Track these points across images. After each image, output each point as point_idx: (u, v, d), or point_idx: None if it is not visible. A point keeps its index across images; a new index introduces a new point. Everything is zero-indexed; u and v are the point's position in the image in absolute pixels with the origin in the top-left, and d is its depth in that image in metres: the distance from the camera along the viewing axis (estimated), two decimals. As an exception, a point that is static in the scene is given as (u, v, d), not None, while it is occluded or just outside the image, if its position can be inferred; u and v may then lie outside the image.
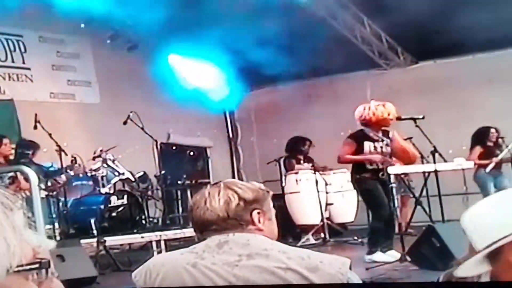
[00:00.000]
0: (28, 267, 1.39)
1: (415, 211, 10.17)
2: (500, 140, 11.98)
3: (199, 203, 2.79)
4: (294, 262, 2.65)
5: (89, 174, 10.45)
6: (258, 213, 2.80)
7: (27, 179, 7.04)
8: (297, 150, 12.20)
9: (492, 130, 11.97)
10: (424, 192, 10.30)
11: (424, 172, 10.06)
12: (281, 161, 12.20)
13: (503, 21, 11.82)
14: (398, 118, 9.16)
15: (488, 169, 11.61)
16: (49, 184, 9.78)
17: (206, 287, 2.64)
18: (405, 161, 9.16)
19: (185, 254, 2.78)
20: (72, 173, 10.00)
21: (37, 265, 1.41)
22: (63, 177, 9.90)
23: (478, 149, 11.85)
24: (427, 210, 9.97)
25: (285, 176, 11.60)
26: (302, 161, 12.02)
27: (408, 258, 7.42)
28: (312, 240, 10.83)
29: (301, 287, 2.64)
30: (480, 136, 12.00)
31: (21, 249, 1.39)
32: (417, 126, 9.01)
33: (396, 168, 9.06)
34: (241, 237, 2.74)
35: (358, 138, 8.94)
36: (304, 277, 2.62)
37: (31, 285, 1.42)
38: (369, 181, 8.82)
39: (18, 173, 8.59)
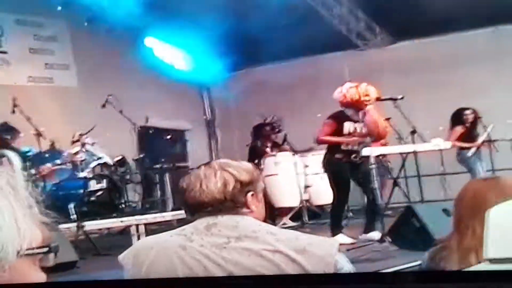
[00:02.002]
0: (37, 250, 1.39)
1: (393, 192, 10.23)
2: (478, 120, 12.04)
3: (194, 185, 2.76)
4: (282, 244, 2.64)
5: (67, 159, 10.37)
6: (252, 195, 2.80)
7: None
8: (265, 136, 12.13)
9: (468, 111, 12.02)
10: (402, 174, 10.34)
11: (402, 153, 10.09)
12: (256, 144, 12.10)
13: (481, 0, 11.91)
14: (378, 99, 9.15)
15: (470, 153, 11.64)
16: (32, 171, 9.67)
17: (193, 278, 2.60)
18: (375, 135, 9.14)
19: (174, 237, 2.76)
20: (59, 161, 9.94)
21: (46, 249, 1.40)
22: (48, 165, 9.84)
23: (458, 130, 11.88)
24: (405, 191, 10.03)
25: (264, 158, 11.56)
26: (270, 147, 11.94)
27: (389, 239, 7.46)
28: (290, 223, 10.83)
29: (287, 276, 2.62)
30: (459, 117, 12.05)
31: (31, 231, 1.38)
32: (396, 106, 9.04)
33: (370, 150, 9.08)
34: (230, 219, 2.73)
35: (338, 119, 8.87)
36: (292, 259, 2.62)
37: (37, 269, 1.41)
38: (340, 163, 8.80)
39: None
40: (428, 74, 13.57)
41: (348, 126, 8.81)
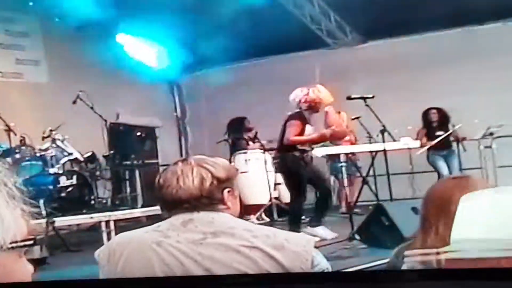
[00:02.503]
0: (22, 243, 1.36)
1: (362, 190, 10.33)
2: (445, 119, 12.16)
3: (171, 181, 2.77)
4: (259, 241, 2.67)
5: (38, 155, 10.32)
6: (229, 191, 2.83)
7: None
8: (243, 130, 12.18)
9: (432, 111, 12.15)
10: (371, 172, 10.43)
11: (371, 152, 10.19)
12: (230, 140, 12.15)
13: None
14: (348, 98, 9.29)
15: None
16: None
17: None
18: (339, 135, 9.29)
19: (150, 233, 2.77)
20: (18, 156, 9.89)
21: (31, 242, 1.38)
22: (9, 159, 9.77)
23: (425, 130, 12.06)
24: (374, 189, 10.12)
25: (234, 156, 11.58)
26: (249, 142, 11.99)
27: (357, 237, 7.54)
28: (265, 218, 10.87)
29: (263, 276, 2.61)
30: (425, 117, 12.20)
31: (16, 224, 1.35)
32: (367, 105, 9.13)
33: (322, 150, 9.30)
34: (206, 215, 2.75)
35: (302, 119, 8.95)
36: (269, 255, 2.65)
37: (25, 263, 1.39)
38: (297, 162, 8.88)
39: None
40: (397, 74, 13.65)
41: (307, 128, 8.88)
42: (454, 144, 12.23)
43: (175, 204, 2.77)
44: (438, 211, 2.85)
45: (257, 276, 2.51)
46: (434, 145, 11.75)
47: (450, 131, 11.85)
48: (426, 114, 12.23)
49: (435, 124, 12.13)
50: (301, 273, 2.61)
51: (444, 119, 12.19)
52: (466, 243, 1.68)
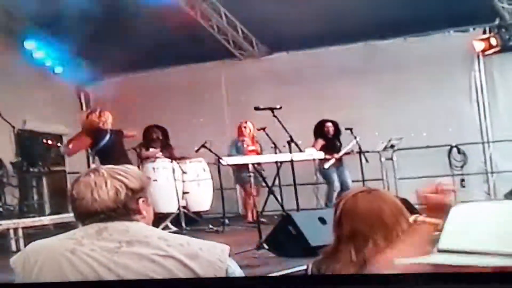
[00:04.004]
0: None
1: (267, 200, 10.44)
2: (338, 132, 12.32)
3: (84, 194, 2.77)
4: (174, 249, 2.69)
5: None
6: (143, 201, 2.85)
7: None
8: (151, 139, 12.13)
9: (328, 124, 12.34)
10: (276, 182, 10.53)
11: (276, 162, 10.31)
12: (138, 149, 12.06)
13: (352, 15, 12.28)
14: (256, 108, 9.42)
15: (327, 165, 11.93)
16: None
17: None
18: None
19: (64, 241, 2.76)
20: None
21: None
22: None
23: (320, 142, 12.16)
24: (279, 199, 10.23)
25: (142, 164, 11.54)
26: (159, 149, 11.94)
27: (266, 246, 7.60)
28: (172, 227, 10.85)
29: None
30: (319, 129, 12.34)
31: None
32: (274, 116, 9.25)
33: (229, 159, 9.99)
34: (121, 224, 2.75)
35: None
36: (184, 264, 2.67)
37: None
38: None
39: None
40: (301, 86, 13.75)
41: None
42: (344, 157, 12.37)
43: (90, 216, 2.77)
44: (371, 225, 2.92)
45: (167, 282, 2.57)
46: (325, 157, 11.82)
47: (353, 142, 12.02)
48: (321, 126, 12.38)
49: (331, 136, 12.29)
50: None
51: (337, 131, 12.37)
52: (454, 253, 1.77)
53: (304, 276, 3.30)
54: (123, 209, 2.78)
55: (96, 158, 10.77)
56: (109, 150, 10.19)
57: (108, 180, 2.78)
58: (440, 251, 1.84)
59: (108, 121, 10.28)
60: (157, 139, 12.05)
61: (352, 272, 2.87)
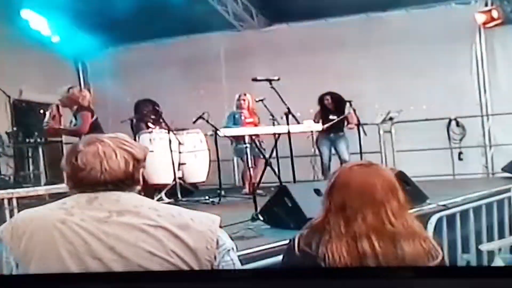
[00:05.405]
0: None
1: (264, 172, 10.43)
2: (339, 104, 12.24)
3: (94, 164, 2.73)
4: (164, 220, 2.68)
5: None
6: (143, 171, 2.86)
7: None
8: (145, 113, 12.08)
9: (327, 97, 12.27)
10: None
11: (275, 134, 10.28)
12: (133, 122, 12.01)
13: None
14: (254, 79, 9.37)
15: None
16: None
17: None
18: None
19: (54, 210, 2.74)
20: None
21: None
22: None
23: (319, 114, 12.15)
24: (277, 171, 10.21)
25: (139, 136, 11.48)
26: (153, 123, 11.89)
27: (261, 217, 7.58)
28: (165, 199, 10.84)
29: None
30: (321, 101, 12.30)
31: None
32: (272, 87, 9.20)
33: (227, 131, 10.06)
34: (112, 194, 2.74)
35: None
36: (174, 234, 2.66)
37: None
38: None
39: None
40: (301, 58, 13.73)
41: None
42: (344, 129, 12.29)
43: (96, 186, 2.74)
44: (362, 199, 2.89)
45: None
46: (323, 129, 11.76)
47: (342, 116, 11.91)
48: (322, 99, 12.34)
49: (330, 108, 12.22)
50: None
51: (338, 104, 12.26)
52: None
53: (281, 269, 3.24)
54: (130, 180, 2.79)
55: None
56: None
57: (117, 150, 2.77)
58: None
59: (86, 98, 10.24)
60: (148, 113, 11.99)
61: (345, 246, 2.84)
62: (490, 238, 8.13)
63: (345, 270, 2.58)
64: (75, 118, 9.77)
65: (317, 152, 12.47)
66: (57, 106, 10.54)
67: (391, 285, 1.72)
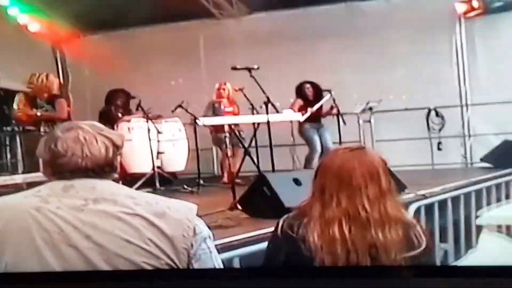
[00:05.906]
0: None
1: (243, 161, 10.41)
2: (323, 94, 12.22)
3: (74, 149, 2.70)
4: (141, 208, 2.66)
5: None
6: (120, 159, 2.85)
7: None
8: (115, 103, 12.00)
9: (308, 85, 12.25)
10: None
11: (254, 123, 10.26)
12: (110, 109, 11.91)
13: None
14: (233, 68, 9.34)
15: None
16: None
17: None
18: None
19: (29, 198, 2.70)
20: None
21: None
22: None
23: (298, 102, 12.09)
24: (256, 160, 10.20)
25: (117, 124, 11.41)
26: (123, 113, 11.82)
27: (239, 207, 7.56)
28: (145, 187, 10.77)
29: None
30: (299, 90, 12.28)
31: None
32: (252, 76, 9.17)
33: (206, 120, 9.97)
34: (88, 182, 2.71)
35: None
36: (151, 222, 2.64)
37: None
38: None
39: None
40: (280, 47, 13.70)
41: None
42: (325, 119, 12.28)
43: (77, 173, 2.71)
44: (339, 183, 2.89)
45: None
46: (308, 118, 11.73)
47: (327, 97, 11.86)
48: (300, 88, 12.30)
49: (311, 97, 12.19)
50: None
51: (319, 92, 12.24)
52: None
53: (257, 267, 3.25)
54: (109, 167, 2.77)
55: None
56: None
57: (97, 136, 2.75)
58: None
59: (55, 85, 10.21)
60: (120, 104, 11.94)
61: (318, 230, 2.84)
62: (468, 228, 8.18)
63: (343, 269, 2.57)
64: (51, 106, 9.68)
65: (296, 141, 12.46)
66: (25, 94, 10.47)
67: (390, 284, 1.69)
